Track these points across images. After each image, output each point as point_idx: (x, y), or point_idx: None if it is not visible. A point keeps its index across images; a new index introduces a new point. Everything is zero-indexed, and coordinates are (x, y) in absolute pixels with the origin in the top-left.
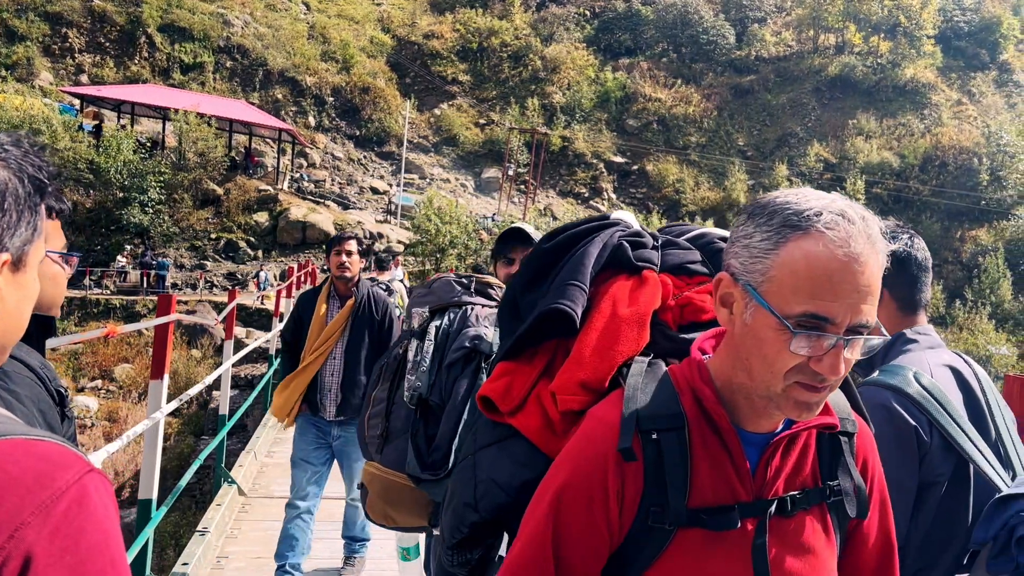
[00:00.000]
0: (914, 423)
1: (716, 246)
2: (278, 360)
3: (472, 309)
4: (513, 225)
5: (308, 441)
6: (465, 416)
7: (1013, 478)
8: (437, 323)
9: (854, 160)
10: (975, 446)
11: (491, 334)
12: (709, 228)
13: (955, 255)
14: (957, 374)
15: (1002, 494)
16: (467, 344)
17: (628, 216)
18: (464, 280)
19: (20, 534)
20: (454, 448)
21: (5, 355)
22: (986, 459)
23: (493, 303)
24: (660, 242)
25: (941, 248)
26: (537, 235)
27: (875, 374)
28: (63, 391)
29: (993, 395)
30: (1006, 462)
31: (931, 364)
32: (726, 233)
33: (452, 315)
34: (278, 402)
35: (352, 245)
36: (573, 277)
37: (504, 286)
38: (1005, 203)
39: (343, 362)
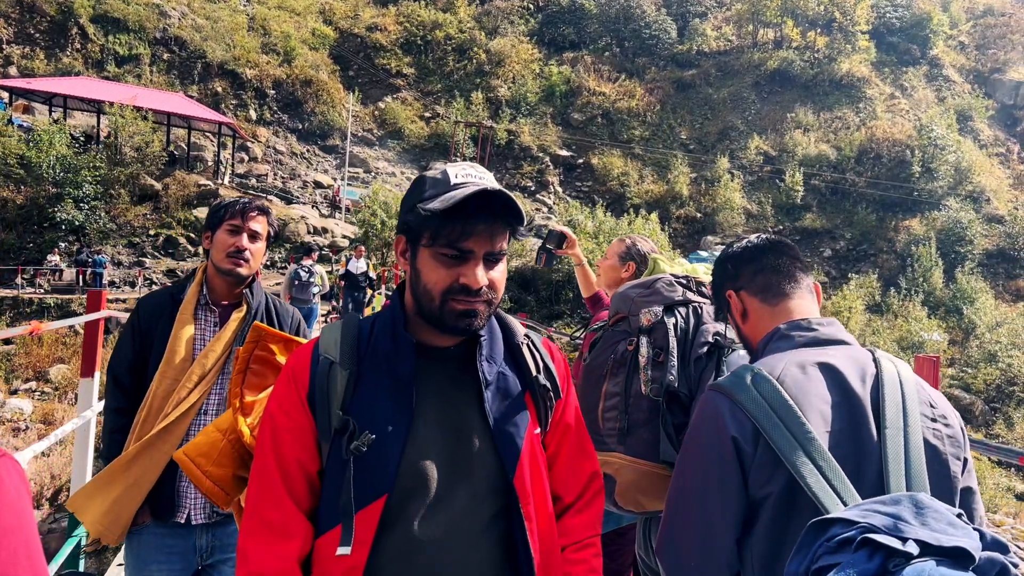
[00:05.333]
0: (734, 431)
1: None
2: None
3: (701, 306)
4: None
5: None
6: None
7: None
8: (672, 320)
9: (793, 153)
10: (812, 460)
11: (726, 330)
12: None
13: (890, 245)
14: (834, 375)
15: (818, 519)
16: (710, 340)
17: None
18: (683, 280)
19: None
20: None
21: None
22: (824, 475)
23: (708, 299)
24: None
25: (876, 238)
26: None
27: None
28: None
29: (895, 399)
30: (872, 479)
31: (794, 363)
32: None
33: (683, 312)
34: (97, 509)
35: (260, 223)
36: None
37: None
38: (936, 194)
39: None
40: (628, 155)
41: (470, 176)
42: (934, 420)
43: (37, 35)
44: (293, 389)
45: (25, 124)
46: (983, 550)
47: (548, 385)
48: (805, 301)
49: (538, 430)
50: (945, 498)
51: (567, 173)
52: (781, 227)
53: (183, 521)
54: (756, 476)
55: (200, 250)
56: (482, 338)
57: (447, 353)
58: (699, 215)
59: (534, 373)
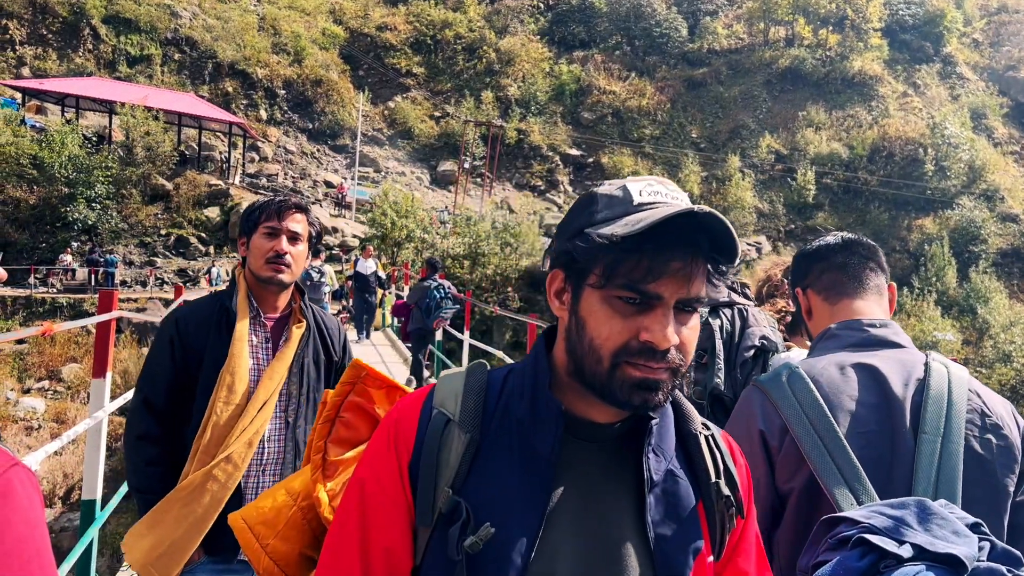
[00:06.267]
0: (761, 425)
1: None
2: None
3: (747, 309)
4: None
5: None
6: None
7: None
8: (717, 322)
9: (804, 151)
10: (832, 459)
11: (772, 334)
12: None
13: (902, 244)
14: (874, 377)
15: (828, 516)
16: (756, 343)
17: None
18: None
19: None
20: None
21: None
22: (843, 475)
23: (752, 302)
24: None
25: (889, 237)
26: None
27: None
28: None
29: (938, 403)
30: (902, 483)
31: (834, 363)
32: None
33: (728, 314)
34: (148, 550)
35: (299, 222)
36: None
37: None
38: (949, 193)
39: (284, 445)
40: (638, 154)
41: (659, 194)
42: (984, 429)
43: (49, 36)
44: (392, 453)
45: (38, 124)
46: (992, 561)
47: (730, 496)
48: (868, 302)
49: (712, 558)
50: (987, 508)
51: (577, 172)
52: (792, 226)
53: (240, 554)
54: (781, 471)
55: (212, 249)
56: (653, 420)
57: (604, 432)
58: None
59: (712, 478)
